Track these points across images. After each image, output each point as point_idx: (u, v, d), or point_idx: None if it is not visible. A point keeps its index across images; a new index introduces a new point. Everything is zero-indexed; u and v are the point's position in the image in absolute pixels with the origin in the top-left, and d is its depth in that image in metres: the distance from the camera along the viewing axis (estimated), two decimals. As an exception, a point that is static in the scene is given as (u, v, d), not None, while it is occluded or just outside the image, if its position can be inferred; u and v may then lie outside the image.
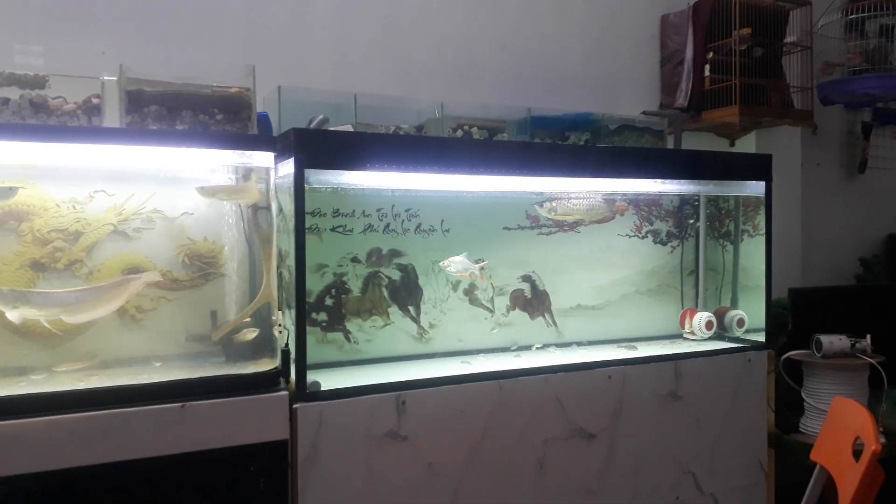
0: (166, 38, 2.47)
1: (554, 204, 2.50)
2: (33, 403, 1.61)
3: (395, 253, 2.33)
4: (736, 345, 2.64)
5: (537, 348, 2.49)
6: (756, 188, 2.67)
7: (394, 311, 2.33)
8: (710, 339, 2.71)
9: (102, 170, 1.87)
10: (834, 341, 2.73)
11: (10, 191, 1.78)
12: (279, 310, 1.97)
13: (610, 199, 2.61)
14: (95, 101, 1.82)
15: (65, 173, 1.85)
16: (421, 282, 2.36)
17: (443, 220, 2.40)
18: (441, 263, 2.32)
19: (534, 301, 2.54)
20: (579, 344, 2.57)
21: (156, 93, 1.86)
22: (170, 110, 1.86)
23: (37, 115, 1.75)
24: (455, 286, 2.42)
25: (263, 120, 2.09)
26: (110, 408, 1.66)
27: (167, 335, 1.95)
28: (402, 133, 2.30)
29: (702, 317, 2.70)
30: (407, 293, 2.35)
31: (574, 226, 2.62)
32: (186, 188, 1.94)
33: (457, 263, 2.31)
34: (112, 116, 1.85)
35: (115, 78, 1.85)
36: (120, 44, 2.36)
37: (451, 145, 2.19)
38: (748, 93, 3.16)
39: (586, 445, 2.23)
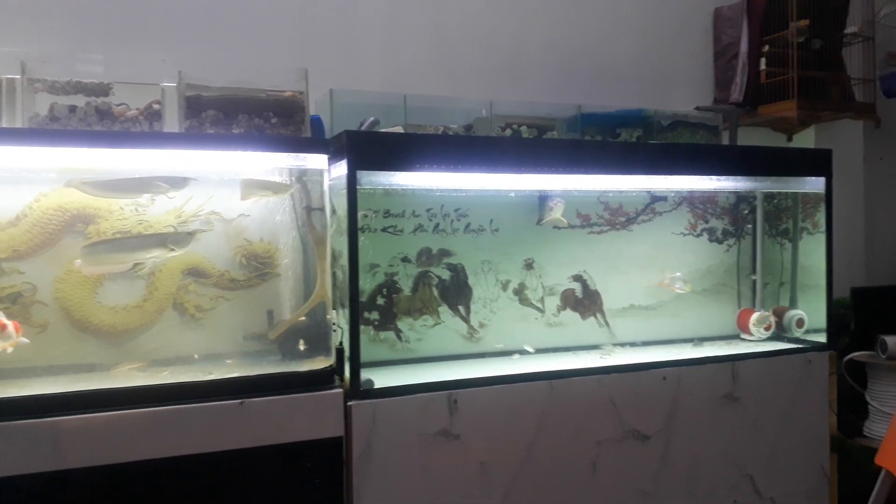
0: (222, 45, 2.53)
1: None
2: (97, 399, 1.68)
3: (444, 252, 2.34)
4: (795, 346, 2.56)
5: (603, 354, 2.43)
6: (815, 184, 2.59)
7: (444, 310, 2.34)
8: (768, 339, 2.64)
9: (163, 173, 1.93)
10: (900, 342, 2.63)
11: (189, 236, 1.89)
12: (333, 309, 2.00)
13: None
14: (156, 106, 1.88)
15: (87, 176, 1.90)
16: (470, 281, 2.36)
17: (492, 220, 2.39)
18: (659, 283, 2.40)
19: (585, 301, 2.52)
20: (632, 344, 2.53)
21: (212, 98, 1.91)
22: (226, 114, 1.90)
23: (102, 121, 1.82)
24: (504, 286, 2.42)
25: (316, 123, 2.12)
26: (171, 404, 1.71)
27: (226, 334, 2.00)
28: (451, 133, 2.30)
29: (759, 317, 2.63)
30: (457, 292, 2.35)
31: (626, 224, 2.58)
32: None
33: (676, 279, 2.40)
34: (172, 121, 1.91)
35: (174, 84, 1.90)
36: (178, 51, 2.43)
37: (500, 144, 2.18)
38: (806, 86, 3.06)
39: (640, 447, 2.20)
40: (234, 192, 1.97)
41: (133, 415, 1.67)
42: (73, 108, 1.81)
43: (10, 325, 1.71)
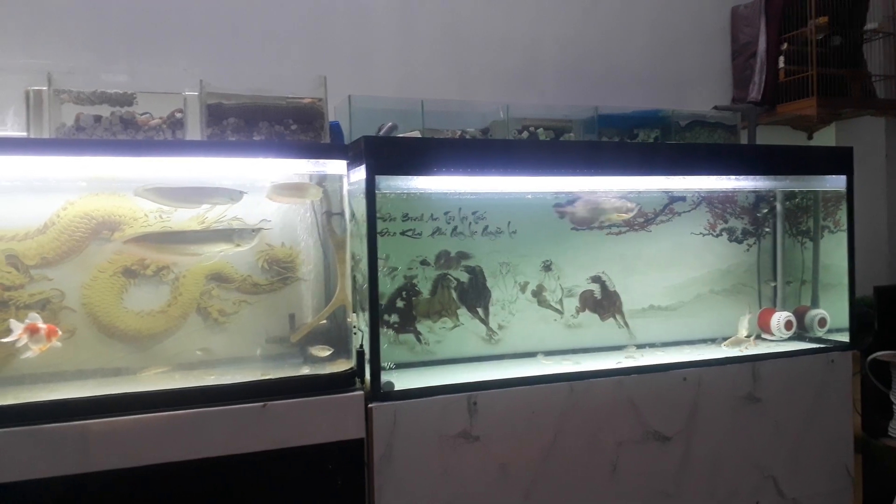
0: (242, 54, 2.58)
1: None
2: (124, 402, 1.71)
3: (462, 255, 2.35)
4: (818, 345, 2.54)
5: (628, 356, 2.41)
6: (836, 182, 2.56)
7: (462, 312, 2.35)
8: (789, 339, 2.62)
9: (186, 180, 1.96)
10: (925, 341, 2.60)
11: (254, 232, 1.95)
12: (353, 312, 2.02)
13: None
14: (178, 115, 1.92)
15: (151, 184, 1.95)
16: (489, 283, 2.37)
17: (509, 222, 2.40)
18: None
19: (604, 302, 2.52)
20: (652, 345, 2.53)
21: (233, 105, 1.94)
22: (247, 122, 1.94)
23: (126, 130, 1.86)
24: (523, 287, 2.42)
25: (335, 128, 2.15)
26: (195, 407, 1.74)
27: (248, 337, 2.03)
28: (467, 137, 2.32)
29: (781, 316, 2.61)
30: (475, 295, 2.36)
31: (645, 224, 2.58)
32: (264, 196, 2.01)
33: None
34: (194, 129, 1.94)
35: (196, 93, 1.94)
36: (200, 60, 2.48)
37: (517, 147, 2.19)
38: (826, 83, 3.04)
39: (661, 448, 2.19)
40: (255, 198, 2.00)
41: (159, 418, 1.70)
42: (98, 118, 1.85)
43: (44, 328, 1.75)
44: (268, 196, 1.97)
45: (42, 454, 1.61)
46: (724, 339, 2.54)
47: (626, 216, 2.44)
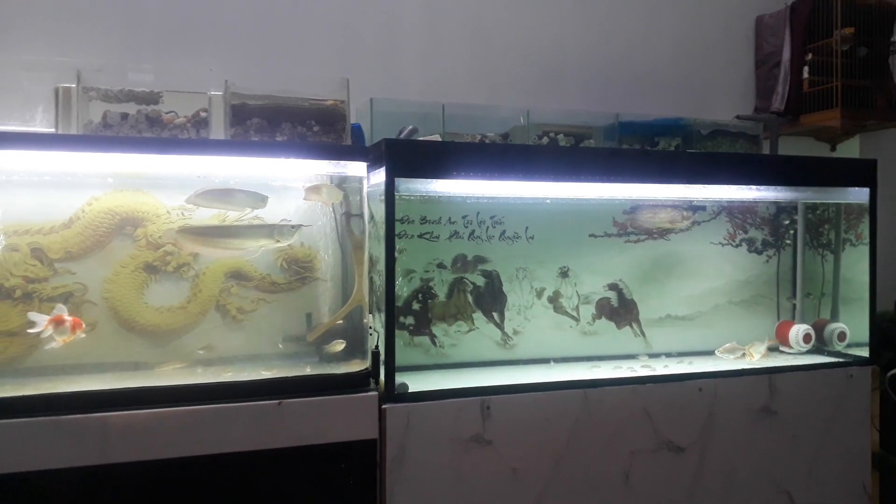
0: (267, 54, 2.61)
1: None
2: (143, 396, 1.74)
3: (479, 259, 2.36)
4: (836, 359, 2.51)
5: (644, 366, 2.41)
6: (859, 195, 2.54)
7: (478, 316, 2.35)
8: (807, 352, 2.59)
9: (208, 179, 1.99)
10: (947, 358, 2.56)
11: (293, 229, 1.99)
12: (370, 313, 2.03)
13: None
14: (203, 114, 1.94)
15: (175, 182, 1.99)
16: (505, 288, 2.38)
17: (527, 227, 2.41)
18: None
19: (620, 310, 2.51)
20: (668, 355, 2.52)
21: (257, 106, 1.96)
22: (270, 122, 1.96)
23: (151, 128, 1.89)
24: (539, 293, 2.42)
25: (356, 131, 2.17)
26: (212, 403, 1.76)
27: (265, 335, 2.05)
28: (487, 141, 2.33)
29: (799, 329, 2.59)
30: (491, 299, 2.37)
31: (664, 233, 2.57)
32: (284, 196, 2.04)
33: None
34: (218, 128, 1.97)
35: (220, 93, 1.97)
36: (225, 61, 2.51)
37: (537, 153, 2.20)
38: (851, 95, 3.01)
39: (675, 459, 2.18)
40: (276, 198, 2.02)
41: (176, 412, 1.72)
42: (124, 116, 1.88)
43: (69, 321, 1.79)
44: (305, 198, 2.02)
45: (64, 445, 1.64)
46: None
47: (681, 224, 2.48)
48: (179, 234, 1.92)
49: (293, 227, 1.98)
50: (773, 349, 2.56)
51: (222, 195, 1.94)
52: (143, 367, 1.95)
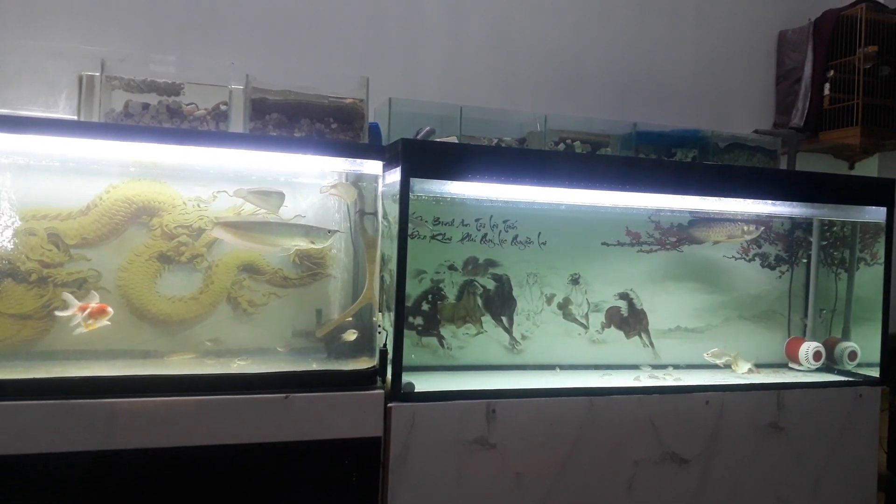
0: (289, 51, 2.63)
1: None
2: (151, 384, 1.75)
3: (490, 263, 2.36)
4: (846, 378, 2.49)
5: (651, 376, 2.40)
6: (876, 214, 2.52)
7: (487, 320, 2.35)
8: (817, 370, 2.57)
9: (225, 171, 2.01)
10: (959, 382, 2.53)
11: (329, 233, 2.01)
12: (379, 311, 2.04)
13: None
14: (223, 107, 1.96)
15: (191, 173, 2.01)
16: (515, 293, 2.38)
17: (540, 233, 2.40)
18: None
19: (630, 320, 2.50)
20: (676, 366, 2.50)
21: (277, 101, 1.98)
22: (289, 118, 1.97)
23: (172, 119, 1.91)
24: (549, 299, 2.42)
25: (374, 130, 2.18)
26: (220, 394, 1.77)
27: (275, 329, 2.06)
28: (504, 145, 2.33)
29: (810, 346, 2.57)
30: (500, 303, 2.37)
31: (677, 244, 2.56)
32: (300, 191, 2.05)
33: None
34: (237, 122, 1.99)
35: (241, 87, 1.98)
36: (247, 55, 2.53)
37: (552, 159, 2.20)
38: (871, 113, 2.99)
39: (678, 470, 2.17)
40: (291, 193, 2.03)
41: (184, 402, 1.74)
42: (146, 106, 1.90)
43: (96, 307, 1.82)
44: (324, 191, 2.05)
45: (72, 428, 1.65)
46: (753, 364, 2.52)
47: (744, 237, 2.52)
48: (222, 227, 1.94)
49: (329, 231, 1.99)
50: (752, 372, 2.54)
51: (264, 195, 1.97)
52: (153, 355, 1.96)
